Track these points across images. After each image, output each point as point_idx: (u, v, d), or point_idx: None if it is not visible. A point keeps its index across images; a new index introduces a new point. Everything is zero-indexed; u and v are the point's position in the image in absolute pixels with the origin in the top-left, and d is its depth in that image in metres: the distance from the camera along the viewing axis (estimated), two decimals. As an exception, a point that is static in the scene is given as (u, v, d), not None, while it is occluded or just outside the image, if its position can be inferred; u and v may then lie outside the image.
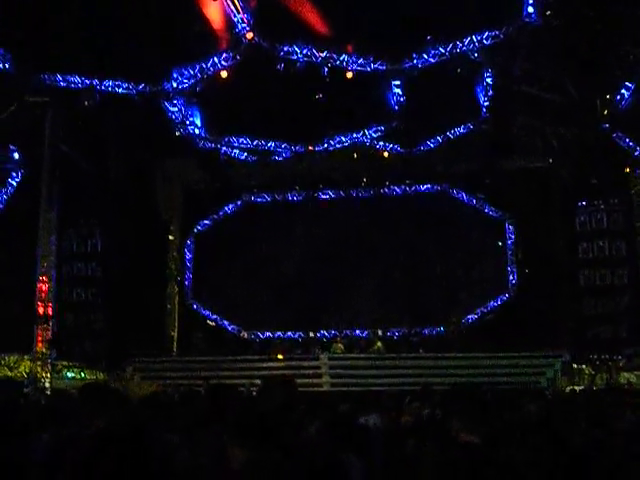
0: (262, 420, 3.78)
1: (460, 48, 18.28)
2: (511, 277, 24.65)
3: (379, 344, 23.32)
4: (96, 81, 19.00)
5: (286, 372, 20.21)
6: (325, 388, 20.06)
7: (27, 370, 19.92)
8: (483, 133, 21.90)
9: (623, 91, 17.96)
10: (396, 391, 14.39)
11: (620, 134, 19.42)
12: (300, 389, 14.84)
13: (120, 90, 19.35)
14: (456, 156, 23.68)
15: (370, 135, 22.17)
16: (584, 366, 20.68)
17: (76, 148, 21.35)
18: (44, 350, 20.18)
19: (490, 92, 19.79)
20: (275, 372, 20.03)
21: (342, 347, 23.34)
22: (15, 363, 20.49)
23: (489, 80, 19.47)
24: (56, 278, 21.31)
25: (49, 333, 20.41)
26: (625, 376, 19.77)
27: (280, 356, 21.54)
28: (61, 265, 22.03)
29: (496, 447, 4.19)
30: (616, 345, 20.92)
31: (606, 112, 18.96)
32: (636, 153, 19.37)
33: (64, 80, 18.91)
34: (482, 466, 3.32)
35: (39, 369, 19.93)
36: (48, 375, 19.98)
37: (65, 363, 21.20)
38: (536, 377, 19.47)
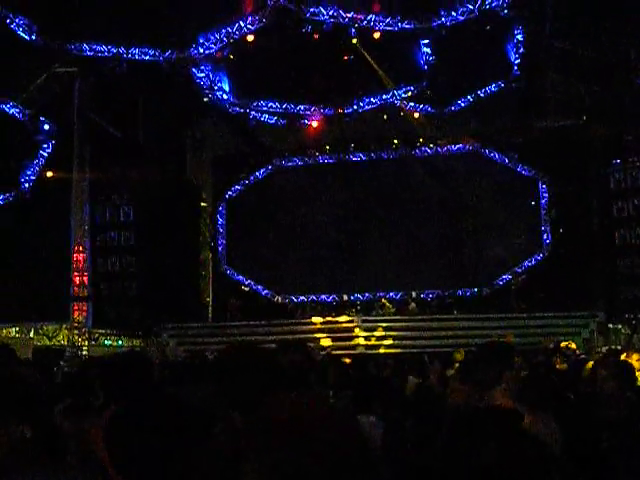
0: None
1: (489, 4, 17.97)
2: (545, 236, 24.40)
3: (413, 305, 23.35)
4: (123, 49, 18.97)
5: (320, 335, 20.45)
6: (359, 350, 20.09)
7: (65, 339, 20.23)
8: (514, 91, 21.55)
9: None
10: (430, 352, 14.49)
11: (655, 87, 18.97)
12: (335, 352, 14.98)
13: (147, 57, 19.31)
14: (488, 115, 23.38)
15: (400, 96, 21.92)
16: (620, 326, 20.48)
17: (106, 117, 21.41)
18: (80, 319, 20.49)
19: (521, 49, 19.45)
20: (310, 335, 20.21)
21: (391, 307, 23.33)
22: (54, 332, 20.81)
23: (519, 37, 19.14)
24: (91, 248, 21.56)
25: (85, 302, 20.72)
26: (661, 336, 19.56)
27: (314, 320, 21.63)
28: (95, 235, 22.28)
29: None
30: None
31: (640, 66, 18.52)
32: (672, 108, 18.93)
33: (91, 49, 18.90)
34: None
35: (77, 337, 20.24)
36: (86, 343, 20.29)
37: (102, 331, 21.49)
38: (571, 337, 19.30)
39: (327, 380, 7.03)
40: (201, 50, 19.21)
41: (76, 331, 20.32)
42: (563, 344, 16.00)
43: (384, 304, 23.52)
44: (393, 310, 23.15)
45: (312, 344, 18.26)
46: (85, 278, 21.03)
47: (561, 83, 21.53)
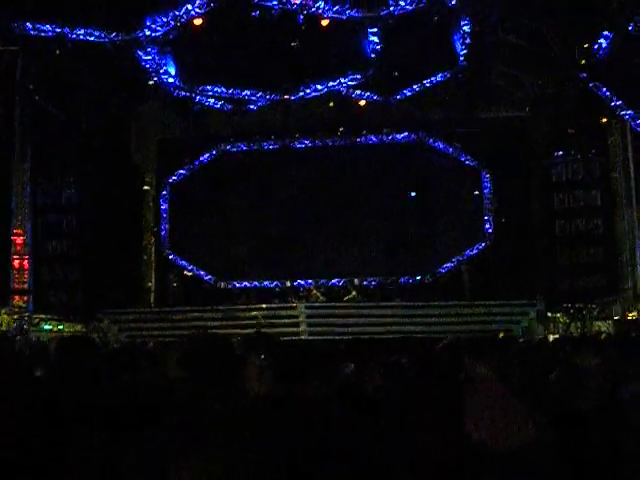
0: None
1: (437, -5, 18.11)
2: (487, 226, 24.77)
3: (354, 293, 23.54)
4: (67, 29, 18.59)
5: (263, 321, 20.47)
6: (303, 337, 20.17)
7: (4, 324, 19.81)
8: (460, 81, 21.80)
9: (601, 40, 17.80)
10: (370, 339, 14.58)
11: (598, 84, 19.31)
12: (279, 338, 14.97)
13: (92, 39, 18.95)
14: (433, 105, 23.62)
15: (346, 83, 21.97)
16: (559, 315, 20.96)
17: (48, 98, 21.01)
18: (21, 303, 20.13)
19: (467, 40, 19.62)
20: (253, 321, 20.23)
21: (319, 295, 23.54)
22: (-7, 317, 20.38)
23: (466, 28, 19.30)
24: (31, 231, 21.18)
25: (25, 286, 20.34)
26: (598, 325, 20.05)
27: (256, 306, 21.67)
28: (36, 218, 21.87)
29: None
30: (590, 294, 21.15)
31: (584, 61, 18.84)
32: (613, 103, 19.28)
33: (34, 29, 18.48)
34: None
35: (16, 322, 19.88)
36: (25, 327, 19.93)
37: (42, 316, 21.13)
38: (511, 325, 19.71)
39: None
40: (148, 33, 18.94)
41: (16, 316, 19.95)
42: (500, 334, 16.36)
43: (311, 292, 23.76)
44: (322, 299, 23.32)
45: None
46: (25, 262, 20.64)
47: (506, 75, 21.90)
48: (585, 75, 19.20)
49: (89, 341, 5.75)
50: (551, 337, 17.01)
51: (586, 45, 18.50)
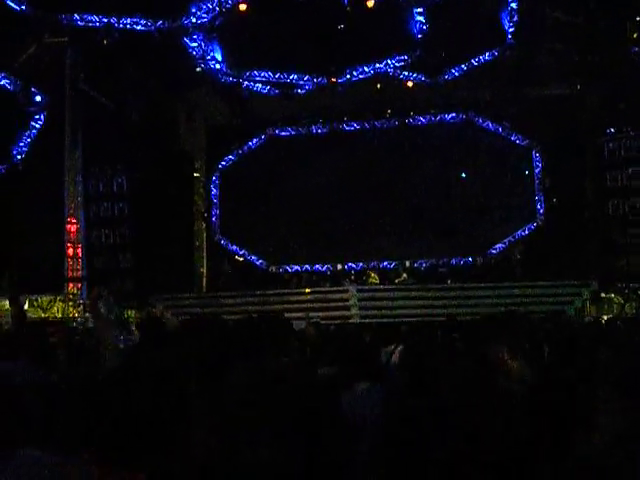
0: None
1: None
2: (539, 206, 24.44)
3: (404, 275, 23.42)
4: (114, 19, 18.81)
5: (314, 305, 20.47)
6: (354, 320, 20.13)
7: (60, 311, 20.19)
8: (508, 59, 21.48)
9: (653, 13, 17.42)
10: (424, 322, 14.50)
11: (650, 58, 18.90)
12: (330, 321, 15.00)
13: (139, 27, 19.14)
14: (481, 84, 23.30)
15: (393, 65, 21.83)
16: (613, 295, 20.56)
17: (97, 87, 21.28)
18: (75, 291, 20.49)
19: (515, 17, 19.34)
20: (304, 305, 20.24)
21: (376, 277, 23.45)
22: (48, 304, 20.74)
23: (514, 5, 19.02)
24: (84, 219, 21.53)
25: (79, 274, 20.71)
26: (655, 306, 19.64)
27: (307, 290, 21.65)
28: (88, 206, 22.22)
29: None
30: (645, 274, 20.71)
31: (635, 35, 18.42)
32: (665, 77, 18.85)
33: (82, 19, 18.73)
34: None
35: (72, 309, 20.25)
36: (78, 315, 20.29)
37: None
38: (564, 306, 19.42)
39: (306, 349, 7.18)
40: (193, 19, 19.07)
41: (71, 303, 20.33)
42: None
43: (370, 275, 23.65)
44: (378, 281, 23.23)
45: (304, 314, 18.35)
46: (79, 250, 21.01)
47: (555, 52, 21.47)
48: (636, 49, 18.78)
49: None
50: (605, 317, 16.70)
51: (638, 18, 18.08)
